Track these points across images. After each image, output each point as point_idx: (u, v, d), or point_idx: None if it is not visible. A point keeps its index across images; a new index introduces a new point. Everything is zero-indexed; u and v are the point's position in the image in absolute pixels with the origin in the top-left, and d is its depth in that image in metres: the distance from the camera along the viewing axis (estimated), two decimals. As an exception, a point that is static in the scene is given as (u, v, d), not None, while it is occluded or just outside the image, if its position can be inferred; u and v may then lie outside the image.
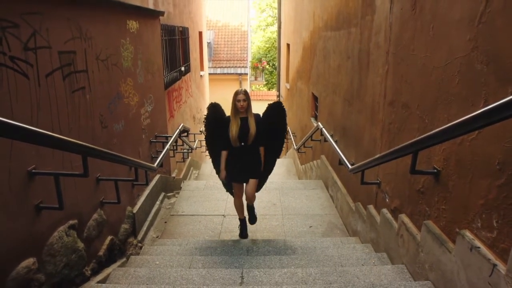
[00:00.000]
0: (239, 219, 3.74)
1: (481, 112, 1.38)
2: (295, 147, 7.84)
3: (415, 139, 1.99)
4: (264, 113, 3.41)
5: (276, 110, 3.40)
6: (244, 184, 3.45)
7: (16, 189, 1.93)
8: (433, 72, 2.10)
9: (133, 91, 3.95)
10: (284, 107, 3.45)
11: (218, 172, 3.53)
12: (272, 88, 22.22)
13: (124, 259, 3.34)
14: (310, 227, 4.05)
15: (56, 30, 2.33)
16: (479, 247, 1.68)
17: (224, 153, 3.37)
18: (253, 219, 3.73)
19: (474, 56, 1.71)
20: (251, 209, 3.67)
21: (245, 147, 3.30)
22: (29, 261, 2.02)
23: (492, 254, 1.61)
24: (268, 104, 3.46)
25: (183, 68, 7.70)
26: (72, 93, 2.56)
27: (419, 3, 2.25)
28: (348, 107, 4.08)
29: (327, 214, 4.36)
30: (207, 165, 9.22)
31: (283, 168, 8.87)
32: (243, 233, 3.69)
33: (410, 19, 2.40)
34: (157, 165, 3.75)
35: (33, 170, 2.05)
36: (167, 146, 4.34)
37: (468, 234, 1.78)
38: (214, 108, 3.45)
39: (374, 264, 2.68)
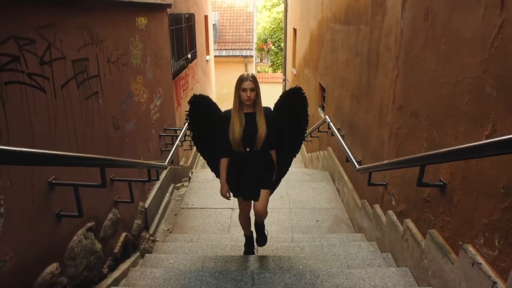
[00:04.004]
0: (244, 235, 3.06)
1: (490, 142, 1.41)
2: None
3: (423, 154, 2.05)
4: (277, 104, 2.59)
5: (293, 99, 2.55)
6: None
7: (38, 201, 2.02)
8: (443, 86, 2.11)
9: (143, 88, 3.99)
10: (305, 93, 2.57)
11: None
12: (277, 69, 22.02)
13: (138, 253, 3.48)
14: (317, 221, 4.16)
15: (69, 40, 2.36)
16: (480, 263, 1.76)
17: (224, 162, 2.59)
18: (262, 240, 2.95)
19: (485, 78, 1.72)
20: (259, 228, 2.93)
21: (252, 153, 2.52)
22: (53, 267, 2.14)
23: (492, 272, 1.69)
24: (283, 92, 2.73)
25: (189, 56, 7.68)
26: (86, 99, 2.62)
27: (431, 15, 2.24)
28: (356, 104, 4.10)
29: (333, 208, 4.46)
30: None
31: (289, 154, 8.94)
32: (249, 250, 3.04)
33: (421, 29, 2.39)
34: (168, 162, 3.84)
35: (53, 181, 2.14)
36: (177, 142, 4.42)
37: (470, 249, 1.85)
38: (200, 103, 2.59)
39: (379, 265, 2.78)
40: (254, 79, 2.42)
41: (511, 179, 1.56)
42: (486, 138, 1.71)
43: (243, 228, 3.01)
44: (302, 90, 2.57)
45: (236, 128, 2.45)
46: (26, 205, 1.93)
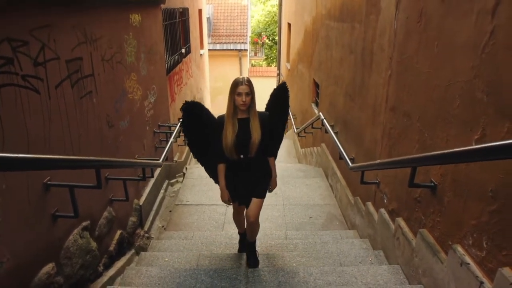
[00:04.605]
0: (239, 233, 3.04)
1: (479, 148, 1.45)
2: (295, 130, 7.91)
3: (415, 156, 2.09)
4: (270, 103, 2.65)
5: (282, 94, 2.64)
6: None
7: (34, 203, 2.03)
8: (435, 89, 2.15)
9: (137, 85, 3.98)
10: (287, 87, 2.69)
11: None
12: (271, 63, 21.95)
13: (133, 251, 3.51)
14: (310, 218, 4.21)
15: (63, 39, 2.35)
16: (468, 263, 1.81)
17: (221, 167, 2.53)
18: (254, 261, 2.75)
19: (476, 84, 1.76)
20: (251, 247, 2.80)
21: (246, 161, 2.46)
22: (49, 267, 2.16)
23: (480, 272, 1.74)
24: (273, 91, 2.73)
25: (183, 50, 7.64)
26: (80, 99, 2.61)
27: (425, 17, 2.26)
28: (350, 102, 4.13)
29: (326, 204, 4.52)
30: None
31: (283, 149, 8.92)
32: (243, 247, 2.98)
33: (415, 31, 2.41)
34: (162, 160, 3.85)
35: (49, 182, 2.14)
36: (171, 139, 4.42)
37: (459, 249, 1.91)
38: (192, 111, 2.57)
39: (371, 262, 2.84)
40: (249, 83, 2.34)
41: (499, 183, 1.61)
42: (476, 143, 1.75)
43: (237, 226, 3.02)
44: (286, 84, 2.74)
45: (229, 135, 2.37)
46: (22, 207, 1.93)
